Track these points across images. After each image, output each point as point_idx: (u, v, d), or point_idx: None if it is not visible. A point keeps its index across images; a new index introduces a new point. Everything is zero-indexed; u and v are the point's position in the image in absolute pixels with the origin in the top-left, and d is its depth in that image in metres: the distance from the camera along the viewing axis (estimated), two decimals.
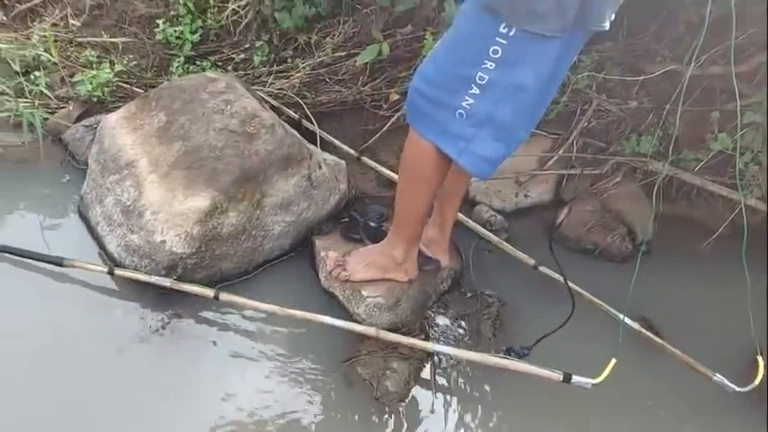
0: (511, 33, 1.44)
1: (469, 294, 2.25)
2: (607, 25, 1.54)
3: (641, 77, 2.76)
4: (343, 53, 2.57)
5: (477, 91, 1.54)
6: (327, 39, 2.58)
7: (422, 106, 1.65)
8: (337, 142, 2.50)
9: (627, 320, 2.03)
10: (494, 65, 1.49)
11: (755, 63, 2.65)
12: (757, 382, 1.87)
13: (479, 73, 1.51)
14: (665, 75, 2.76)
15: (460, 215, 2.42)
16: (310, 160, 2.17)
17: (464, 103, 1.57)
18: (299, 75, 2.53)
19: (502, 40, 1.46)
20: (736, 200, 2.78)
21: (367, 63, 2.52)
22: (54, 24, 2.72)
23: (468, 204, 2.69)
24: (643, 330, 2.07)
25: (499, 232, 2.56)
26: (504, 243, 2.37)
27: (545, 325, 1.98)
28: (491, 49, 1.48)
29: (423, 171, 1.75)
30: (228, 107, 2.10)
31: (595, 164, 2.78)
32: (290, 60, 2.61)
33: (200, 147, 2.02)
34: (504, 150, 1.66)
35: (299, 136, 2.24)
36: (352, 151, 2.48)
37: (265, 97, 2.53)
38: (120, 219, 1.99)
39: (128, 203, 1.98)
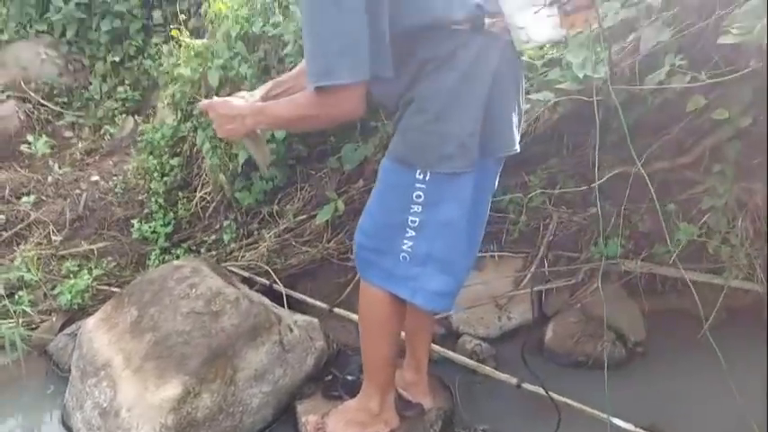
0: (427, 178, 1.58)
1: None
2: (517, 148, 1.66)
3: (595, 184, 2.85)
4: (305, 216, 2.71)
5: (413, 233, 1.65)
6: (288, 206, 2.73)
7: (367, 257, 1.75)
8: (310, 300, 2.56)
9: (617, 421, 1.95)
10: (420, 207, 1.61)
11: (698, 152, 2.75)
12: None
13: (410, 217, 1.63)
14: (617, 177, 2.85)
15: (442, 350, 2.41)
16: (279, 325, 2.21)
17: (404, 247, 1.67)
18: (265, 244, 2.66)
19: (421, 185, 1.59)
20: (721, 283, 2.77)
21: (327, 221, 2.64)
22: (38, 243, 2.91)
23: (453, 337, 2.69)
24: (637, 429, 1.97)
25: (487, 360, 2.52)
26: (484, 366, 2.35)
27: None
28: (414, 195, 1.60)
29: (380, 317, 1.80)
30: (193, 290, 2.19)
31: (569, 274, 2.80)
32: (256, 232, 2.75)
33: (169, 334, 2.08)
34: (453, 281, 1.72)
35: (266, 303, 2.30)
36: (325, 306, 2.53)
37: (237, 271, 2.63)
38: (98, 422, 2.00)
39: (104, 405, 2.00)
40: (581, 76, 2.28)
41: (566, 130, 2.85)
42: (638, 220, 2.89)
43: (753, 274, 2.78)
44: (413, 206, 1.61)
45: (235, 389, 2.05)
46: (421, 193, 1.59)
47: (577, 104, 2.53)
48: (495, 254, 2.84)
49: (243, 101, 1.66)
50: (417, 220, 1.62)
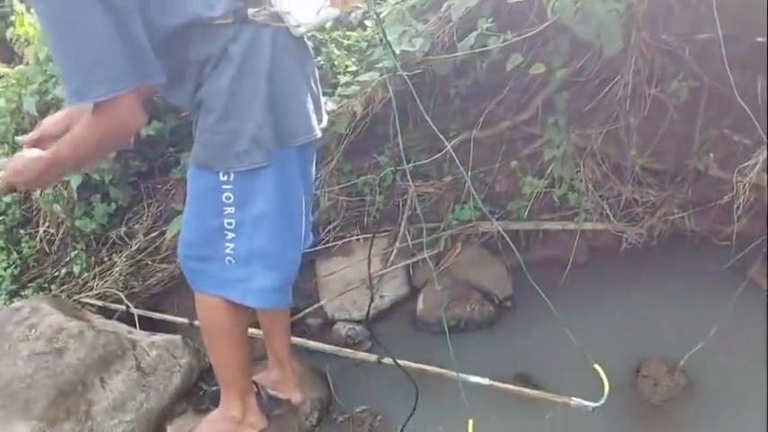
0: (231, 178, 1.56)
1: (341, 419, 2.20)
2: (317, 133, 1.65)
3: (443, 152, 2.91)
4: (156, 233, 2.62)
5: (233, 235, 1.62)
6: (137, 225, 2.63)
7: (195, 268, 1.72)
8: (169, 317, 2.48)
9: (472, 378, 2.02)
10: (233, 208, 1.59)
11: (533, 107, 2.86)
12: (606, 390, 1.87)
13: (225, 220, 1.61)
14: (468, 141, 2.92)
15: (301, 341, 2.39)
16: (134, 350, 2.14)
17: (227, 251, 1.64)
18: (118, 269, 2.55)
19: (228, 186, 1.57)
20: (575, 228, 2.91)
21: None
22: None
23: (329, 325, 2.69)
24: (493, 383, 2.04)
25: (363, 343, 2.55)
26: (344, 350, 2.36)
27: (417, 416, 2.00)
28: (224, 197, 1.58)
29: (222, 325, 1.77)
30: (33, 331, 2.07)
31: (434, 244, 2.86)
32: (107, 259, 2.63)
33: (10, 381, 1.96)
34: (281, 275, 1.72)
35: (119, 330, 2.21)
36: (185, 320, 2.45)
37: (92, 301, 2.52)
38: None
39: None
40: (398, 51, 2.31)
41: (406, 105, 2.88)
42: (492, 182, 2.98)
43: (603, 214, 2.94)
44: (225, 208, 1.59)
45: (93, 423, 1.96)
46: (230, 194, 1.58)
47: (410, 79, 2.57)
48: (360, 237, 2.86)
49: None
50: (233, 221, 1.61)
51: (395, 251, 2.81)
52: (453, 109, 2.89)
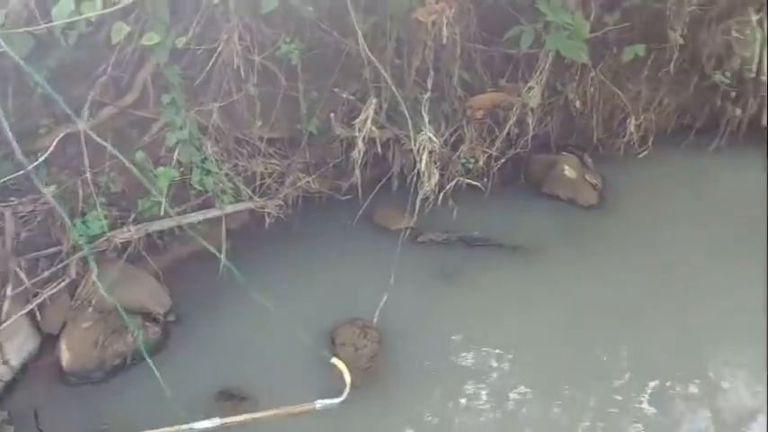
0: None
1: None
2: None
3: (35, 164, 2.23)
4: None
5: None
6: None
7: None
8: None
9: (201, 425, 1.65)
10: None
11: (139, 87, 2.42)
12: (348, 380, 1.76)
13: None
14: (67, 140, 2.30)
15: None
16: None
17: None
18: None
19: None
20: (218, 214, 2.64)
21: None
22: None
23: None
24: (226, 420, 1.71)
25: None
26: None
27: None
28: None
29: None
30: None
31: (60, 274, 2.22)
32: None
33: None
34: None
35: None
36: None
37: None
38: None
39: None
40: None
41: None
42: (109, 182, 2.45)
43: (239, 192, 2.73)
44: None
45: None
46: None
47: None
48: None
49: None
50: None
51: (9, 296, 2.07)
52: (36, 100, 2.25)
